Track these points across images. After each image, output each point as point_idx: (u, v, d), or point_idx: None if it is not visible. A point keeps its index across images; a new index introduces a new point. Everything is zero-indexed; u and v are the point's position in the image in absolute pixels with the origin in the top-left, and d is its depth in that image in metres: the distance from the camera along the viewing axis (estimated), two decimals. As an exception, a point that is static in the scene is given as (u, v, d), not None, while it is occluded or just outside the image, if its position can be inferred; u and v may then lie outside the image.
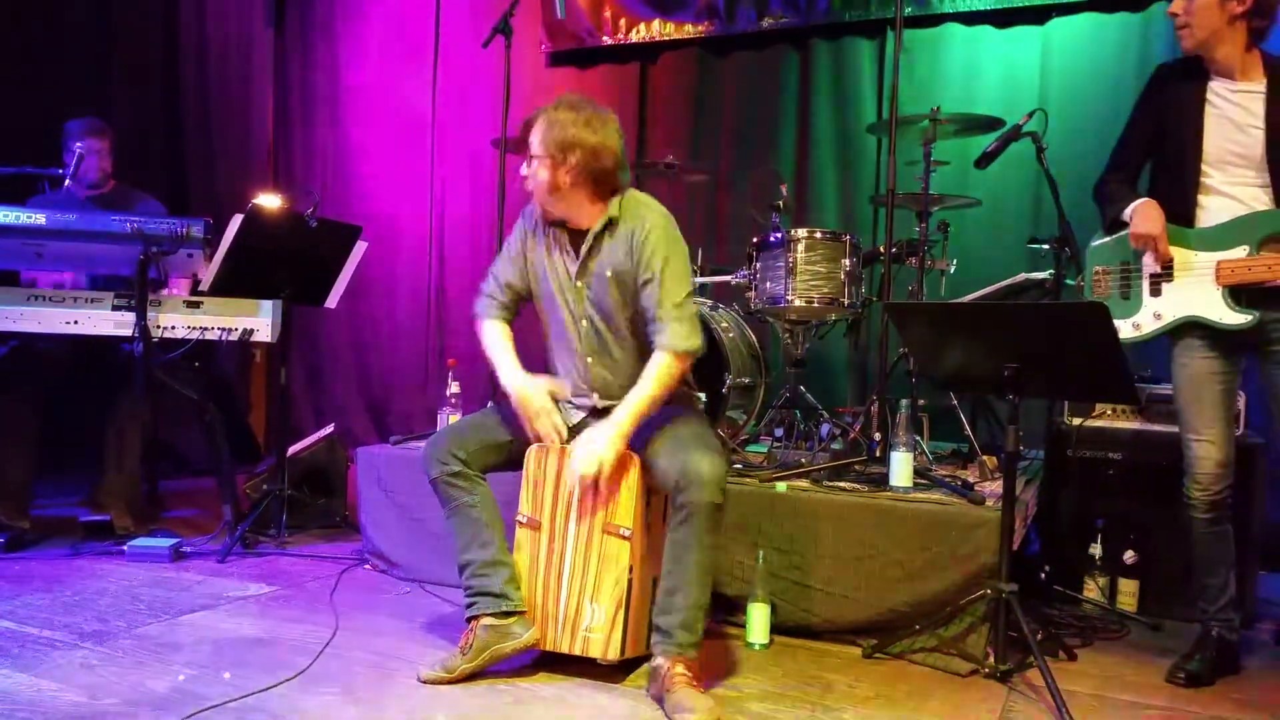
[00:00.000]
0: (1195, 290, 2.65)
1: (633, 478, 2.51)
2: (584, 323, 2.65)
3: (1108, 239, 2.86)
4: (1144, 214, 2.68)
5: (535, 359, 2.78)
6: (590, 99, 2.60)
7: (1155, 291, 2.72)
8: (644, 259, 2.54)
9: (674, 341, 2.51)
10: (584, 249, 2.61)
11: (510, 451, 2.66)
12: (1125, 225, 2.74)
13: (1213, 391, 2.67)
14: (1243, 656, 2.80)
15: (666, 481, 2.41)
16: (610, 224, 2.59)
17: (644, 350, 2.62)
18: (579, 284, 2.63)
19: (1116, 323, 2.73)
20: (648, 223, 2.56)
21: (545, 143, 2.52)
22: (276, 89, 6.26)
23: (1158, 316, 2.71)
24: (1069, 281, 3.38)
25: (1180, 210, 2.68)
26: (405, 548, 3.52)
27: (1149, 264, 2.73)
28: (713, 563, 2.44)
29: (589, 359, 2.67)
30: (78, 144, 3.93)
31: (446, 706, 2.33)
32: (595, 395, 2.70)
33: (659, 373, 2.51)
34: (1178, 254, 2.67)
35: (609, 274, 2.59)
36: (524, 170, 2.59)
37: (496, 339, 2.74)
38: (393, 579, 3.50)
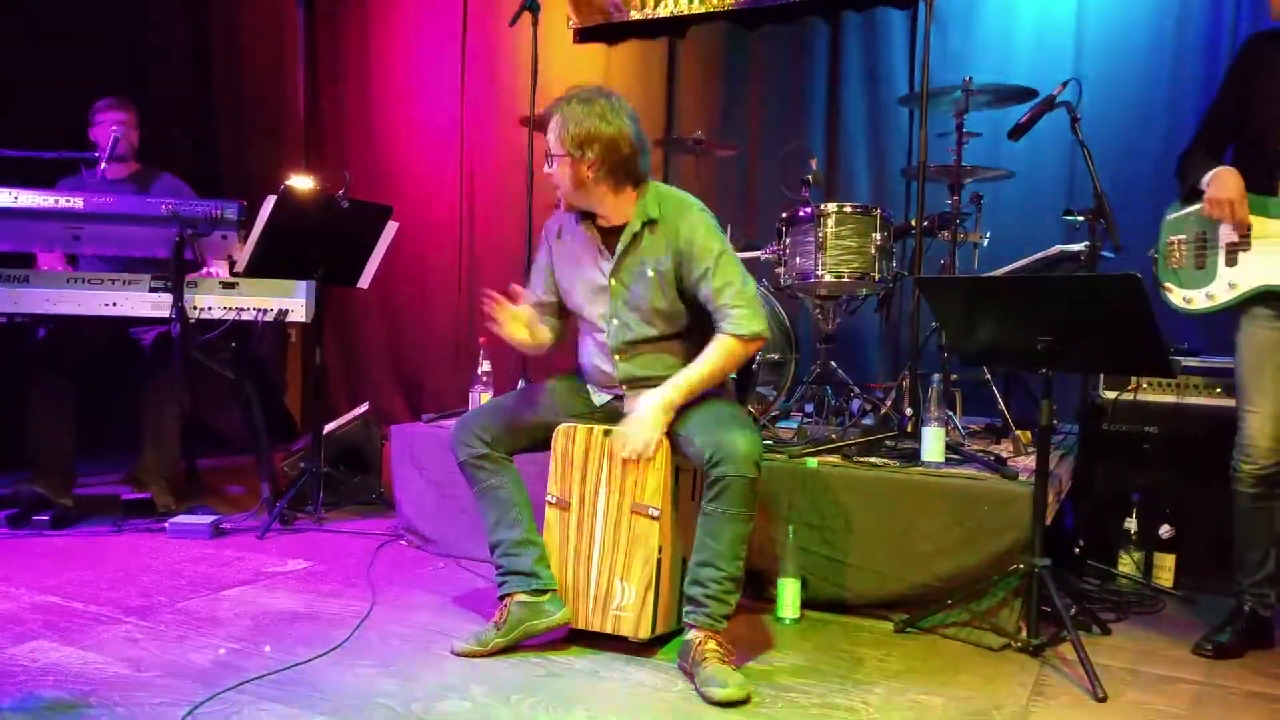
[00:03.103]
0: (1273, 259, 2.59)
1: (660, 458, 2.52)
2: (614, 321, 2.65)
3: (1184, 210, 2.80)
4: (1221, 180, 2.62)
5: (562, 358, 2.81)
6: (601, 88, 2.60)
7: (1231, 261, 2.66)
8: (696, 255, 2.53)
9: (739, 327, 2.52)
10: (620, 248, 2.60)
11: (537, 433, 2.68)
12: (1202, 195, 2.68)
13: (1274, 364, 2.62)
14: (1277, 631, 2.77)
15: (701, 458, 2.42)
16: (649, 224, 2.59)
17: (674, 346, 2.65)
18: (613, 282, 2.62)
19: (1190, 293, 2.70)
20: (691, 220, 2.56)
21: (562, 140, 2.51)
22: (307, 69, 6.28)
23: (1232, 286, 2.66)
24: (1104, 253, 3.34)
25: (1262, 180, 2.62)
26: (439, 524, 3.56)
27: (1226, 233, 2.67)
28: (746, 537, 2.44)
29: (617, 356, 2.68)
30: (112, 126, 3.97)
31: (481, 678, 2.36)
32: (623, 387, 2.71)
33: (721, 353, 2.53)
34: (1257, 223, 2.61)
35: (650, 273, 2.58)
36: (546, 169, 2.60)
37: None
38: (428, 554, 3.55)
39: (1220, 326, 2.80)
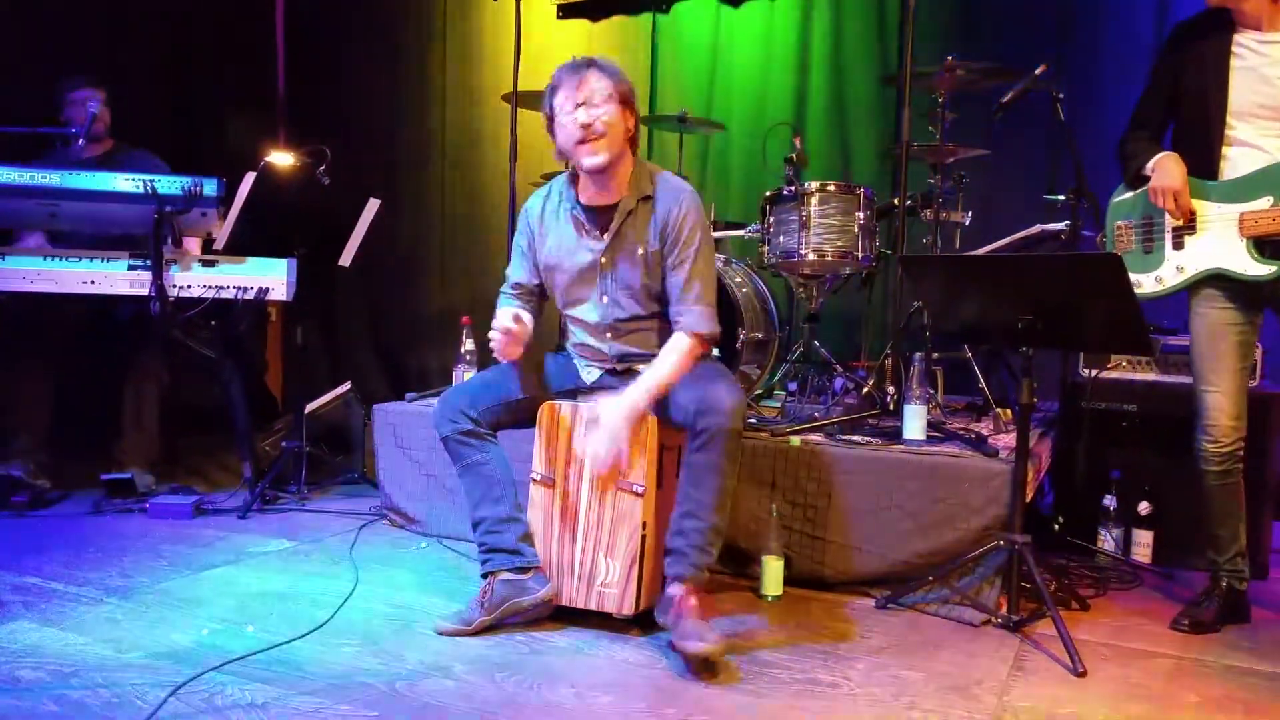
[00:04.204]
0: (1218, 242, 2.63)
1: (646, 434, 2.52)
2: (605, 299, 2.64)
3: (1129, 194, 2.83)
4: (1164, 168, 2.66)
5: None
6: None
7: (1178, 245, 2.70)
8: (681, 241, 2.55)
9: (698, 325, 2.54)
10: (614, 226, 2.59)
11: (522, 410, 2.67)
12: (1147, 180, 2.71)
13: (1229, 343, 2.66)
14: (1254, 606, 2.81)
15: (686, 412, 2.42)
16: (643, 200, 2.58)
17: (659, 325, 2.65)
18: (604, 260, 2.61)
19: (1139, 277, 2.74)
20: (684, 206, 2.57)
21: (619, 89, 2.52)
22: (287, 46, 6.22)
23: (1180, 270, 2.69)
24: (1085, 233, 3.35)
25: (1204, 163, 2.64)
26: (422, 503, 3.56)
27: (1171, 218, 2.70)
28: (729, 490, 2.44)
29: (609, 334, 2.67)
30: (88, 104, 3.91)
31: (465, 657, 2.37)
32: (616, 363, 2.71)
33: (679, 354, 2.53)
34: (1200, 207, 2.64)
35: (640, 252, 2.58)
36: (585, 116, 2.49)
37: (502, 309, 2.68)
38: (410, 534, 3.55)
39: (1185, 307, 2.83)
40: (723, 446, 2.38)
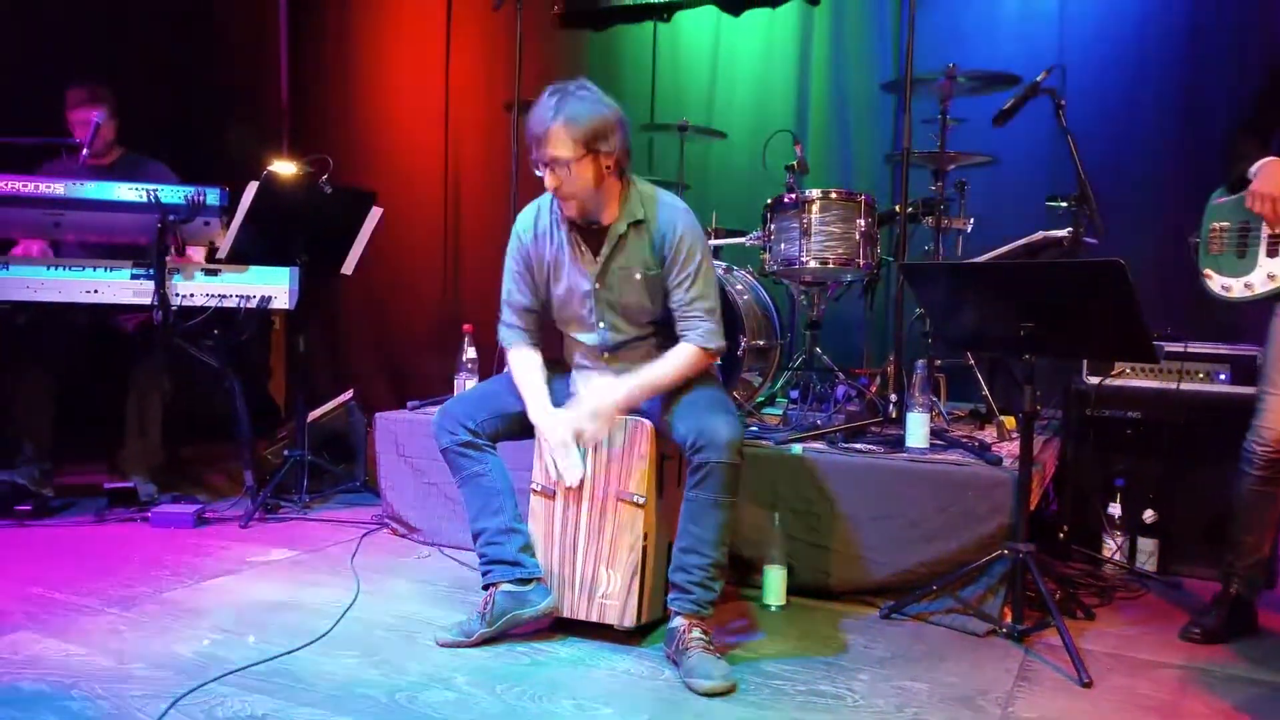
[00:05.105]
0: None
1: (645, 446, 2.51)
2: (601, 324, 2.63)
3: (1229, 197, 2.76)
4: (1268, 173, 2.59)
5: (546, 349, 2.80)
6: (570, 79, 2.51)
7: (1273, 252, 2.64)
8: (679, 260, 2.53)
9: (708, 340, 2.54)
10: (606, 250, 2.56)
11: (521, 420, 2.65)
12: (1249, 184, 2.64)
13: None
14: (1261, 617, 2.79)
15: (684, 444, 2.42)
16: (635, 225, 2.56)
17: (655, 340, 2.64)
18: (598, 285, 2.59)
19: (1229, 281, 2.70)
20: (679, 225, 2.54)
21: (578, 141, 2.41)
22: (290, 55, 6.23)
23: (1272, 278, 2.63)
24: (1088, 239, 3.34)
25: None
26: (424, 512, 3.55)
27: (1268, 224, 2.64)
28: (730, 523, 2.44)
29: (605, 356, 2.67)
30: (92, 117, 3.90)
31: (466, 668, 2.36)
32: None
33: (684, 360, 2.53)
34: None
35: (638, 277, 2.57)
36: (552, 182, 2.46)
37: (524, 370, 2.67)
38: (412, 543, 3.54)
39: (1218, 310, 2.79)
40: (720, 482, 2.38)
